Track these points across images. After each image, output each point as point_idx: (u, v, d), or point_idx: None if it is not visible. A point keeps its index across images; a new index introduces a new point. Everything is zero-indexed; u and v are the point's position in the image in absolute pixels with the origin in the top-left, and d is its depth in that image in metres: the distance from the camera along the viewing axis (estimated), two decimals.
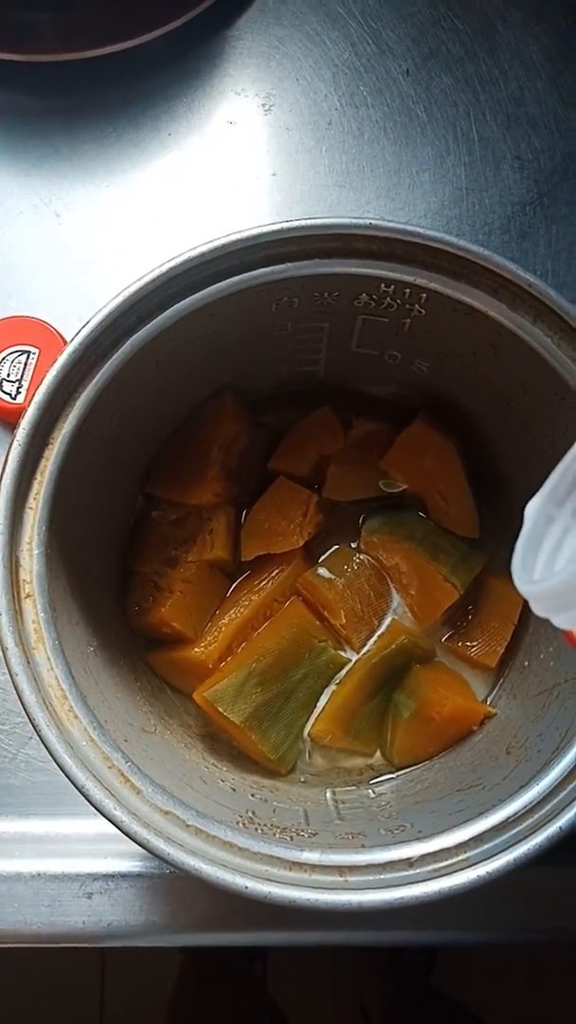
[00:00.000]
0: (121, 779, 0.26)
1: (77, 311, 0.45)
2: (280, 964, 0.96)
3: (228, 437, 0.38)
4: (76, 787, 0.26)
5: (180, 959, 0.87)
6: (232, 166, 0.47)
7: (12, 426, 0.43)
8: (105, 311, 0.29)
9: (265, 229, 0.29)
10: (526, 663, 0.37)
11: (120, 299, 0.29)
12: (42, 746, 0.39)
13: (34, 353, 0.42)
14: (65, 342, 0.42)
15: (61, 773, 0.39)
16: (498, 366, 0.33)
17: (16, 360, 0.42)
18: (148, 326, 0.30)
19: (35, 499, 0.28)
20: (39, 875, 0.36)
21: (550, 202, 0.47)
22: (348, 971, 0.98)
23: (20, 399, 0.42)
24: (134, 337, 0.30)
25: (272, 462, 0.39)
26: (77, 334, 0.29)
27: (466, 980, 0.97)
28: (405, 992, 0.94)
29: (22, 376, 0.42)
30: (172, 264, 0.29)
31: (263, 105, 0.48)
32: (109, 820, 0.26)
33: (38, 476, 0.28)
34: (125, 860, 0.37)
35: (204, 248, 0.29)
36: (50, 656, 0.27)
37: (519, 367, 0.32)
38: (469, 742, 0.35)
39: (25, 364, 0.42)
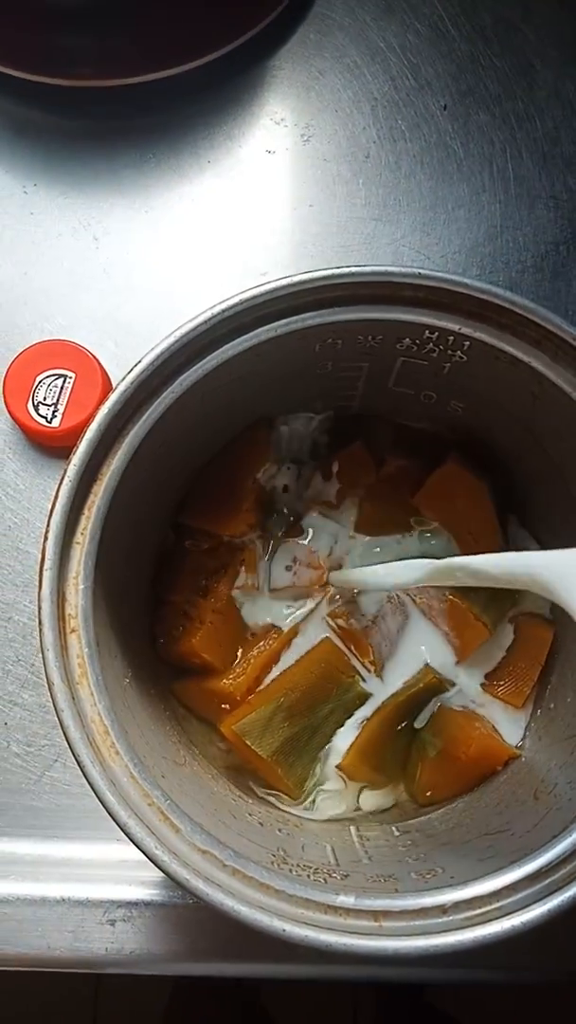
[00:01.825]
0: (161, 817, 0.27)
1: (114, 335, 0.45)
2: (274, 981, 0.96)
3: (262, 470, 0.38)
4: (118, 824, 0.26)
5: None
6: (269, 195, 0.48)
7: (46, 449, 0.44)
8: (157, 350, 0.29)
9: (315, 275, 0.30)
10: (551, 705, 0.37)
11: (172, 339, 0.29)
12: (66, 769, 0.40)
13: (70, 377, 0.42)
14: (101, 366, 0.43)
15: (84, 797, 0.39)
16: (536, 413, 0.33)
17: (52, 384, 0.42)
18: (196, 366, 0.30)
19: (82, 534, 0.29)
20: (64, 900, 0.37)
21: None
22: (342, 983, 0.98)
23: (56, 423, 0.42)
24: (182, 376, 0.30)
25: (305, 496, 0.39)
26: (129, 372, 0.29)
27: (459, 995, 0.97)
28: (398, 1005, 0.94)
29: (58, 400, 0.42)
30: (223, 306, 0.29)
31: (302, 136, 0.49)
32: (150, 859, 0.26)
33: (86, 511, 0.29)
34: (147, 888, 0.38)
35: (254, 292, 0.30)
36: (93, 691, 0.28)
37: (557, 416, 0.32)
38: (494, 783, 0.36)
39: (61, 388, 0.42)
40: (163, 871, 0.26)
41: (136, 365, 0.29)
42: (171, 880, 0.26)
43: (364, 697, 0.37)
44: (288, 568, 0.38)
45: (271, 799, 0.36)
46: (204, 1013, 0.84)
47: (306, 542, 0.39)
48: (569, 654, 0.37)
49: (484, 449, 0.39)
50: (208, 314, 0.29)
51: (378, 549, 0.38)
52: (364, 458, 0.40)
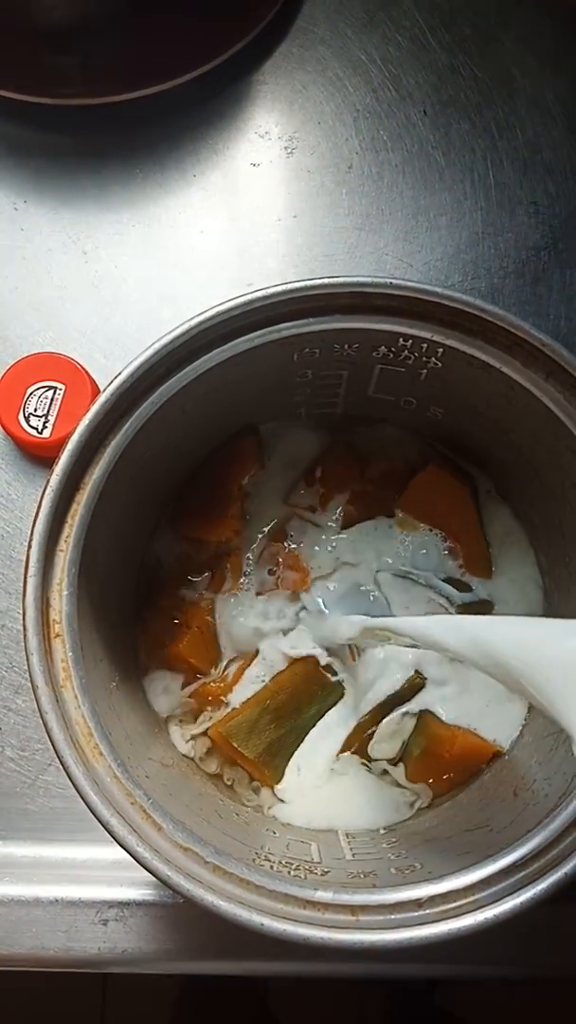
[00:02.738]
0: (143, 815, 0.28)
1: (103, 347, 0.46)
2: (283, 982, 0.96)
3: (248, 476, 0.39)
4: (101, 823, 0.27)
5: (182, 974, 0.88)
6: (255, 207, 0.49)
7: (38, 459, 0.45)
8: (136, 362, 0.30)
9: (290, 287, 0.31)
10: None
11: (151, 351, 0.30)
12: (60, 773, 0.40)
13: (60, 389, 0.43)
14: (90, 378, 0.44)
15: (78, 800, 0.40)
16: (511, 417, 0.34)
17: (43, 396, 0.43)
18: (177, 376, 0.31)
19: (65, 542, 0.29)
20: (57, 901, 0.37)
21: (564, 247, 0.48)
22: (350, 985, 0.98)
23: (46, 434, 0.43)
24: (163, 386, 0.31)
25: (290, 499, 0.40)
26: (110, 384, 0.30)
27: (469, 997, 0.98)
28: (407, 1008, 0.95)
29: (48, 411, 0.43)
30: (201, 318, 0.30)
31: (286, 148, 0.50)
32: (132, 856, 0.27)
33: (69, 520, 0.30)
34: (139, 888, 0.38)
35: (231, 304, 0.31)
36: (77, 694, 0.28)
37: (531, 419, 0.33)
38: (478, 781, 0.36)
39: (51, 400, 0.43)
40: (144, 867, 0.27)
41: (117, 376, 0.30)
42: (155, 877, 0.27)
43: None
44: (272, 572, 0.39)
45: (258, 804, 0.37)
46: (212, 1017, 0.84)
47: (290, 546, 0.39)
48: None
49: (467, 452, 0.40)
50: (187, 326, 0.30)
51: (358, 547, 0.39)
52: (348, 462, 0.41)
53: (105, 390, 0.30)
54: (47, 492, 0.29)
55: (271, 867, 0.29)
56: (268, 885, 0.27)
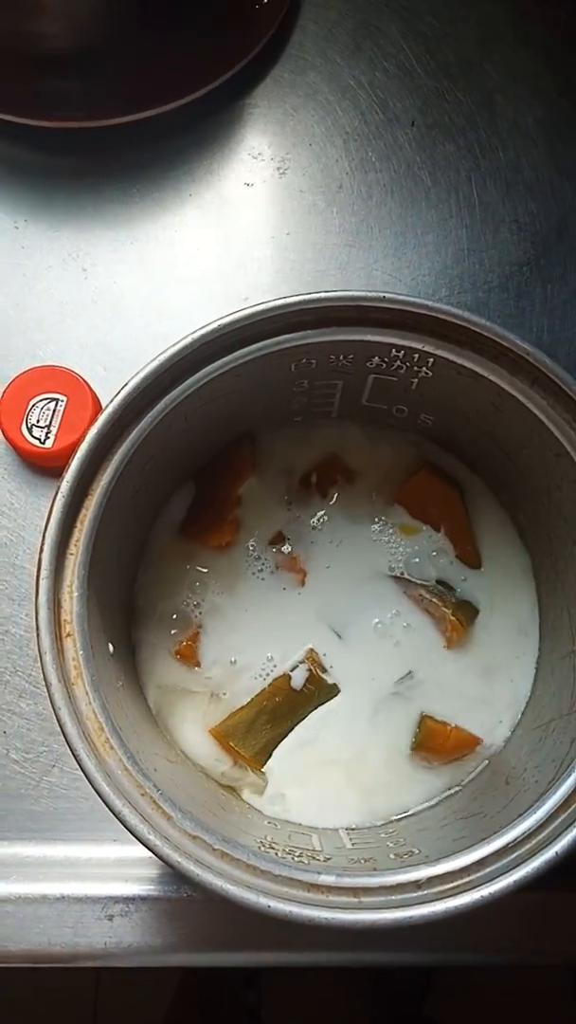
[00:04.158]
0: (153, 806, 0.29)
1: (103, 360, 0.48)
2: (275, 993, 0.97)
3: (245, 482, 0.41)
4: (113, 813, 0.28)
5: (176, 982, 0.88)
6: (249, 225, 0.51)
7: (41, 469, 0.46)
8: (142, 374, 0.32)
9: (289, 301, 0.32)
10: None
11: (156, 363, 0.32)
12: (64, 775, 0.42)
13: (62, 400, 0.45)
14: (91, 390, 0.45)
15: (82, 800, 0.41)
16: (499, 423, 0.36)
17: (45, 407, 0.45)
18: (180, 387, 0.33)
19: (75, 545, 0.31)
20: (63, 898, 0.38)
21: (546, 263, 0.50)
22: (341, 999, 0.98)
23: (48, 444, 0.44)
24: (167, 397, 0.32)
25: (286, 504, 0.42)
26: (117, 394, 0.31)
27: (459, 1009, 0.98)
28: (396, 1017, 0.95)
29: (51, 422, 0.44)
30: (203, 332, 0.32)
31: (278, 169, 0.51)
32: (143, 844, 0.28)
33: (78, 524, 0.31)
34: (143, 884, 0.40)
35: (232, 317, 0.32)
36: (88, 691, 0.30)
37: (518, 426, 0.35)
38: (473, 775, 0.38)
39: (53, 411, 0.45)
40: (156, 855, 0.28)
41: (123, 388, 0.31)
42: (163, 863, 0.28)
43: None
44: (272, 573, 0.40)
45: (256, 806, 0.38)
46: (204, 1016, 0.84)
47: (287, 548, 0.41)
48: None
49: (458, 456, 0.42)
50: (190, 339, 0.32)
51: (353, 549, 0.41)
52: (342, 468, 0.42)
53: (112, 401, 0.31)
54: (58, 497, 0.30)
55: (276, 855, 0.30)
56: (274, 870, 0.29)
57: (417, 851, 0.31)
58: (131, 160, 0.51)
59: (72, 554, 0.31)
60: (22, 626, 0.44)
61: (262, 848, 0.30)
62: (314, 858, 0.31)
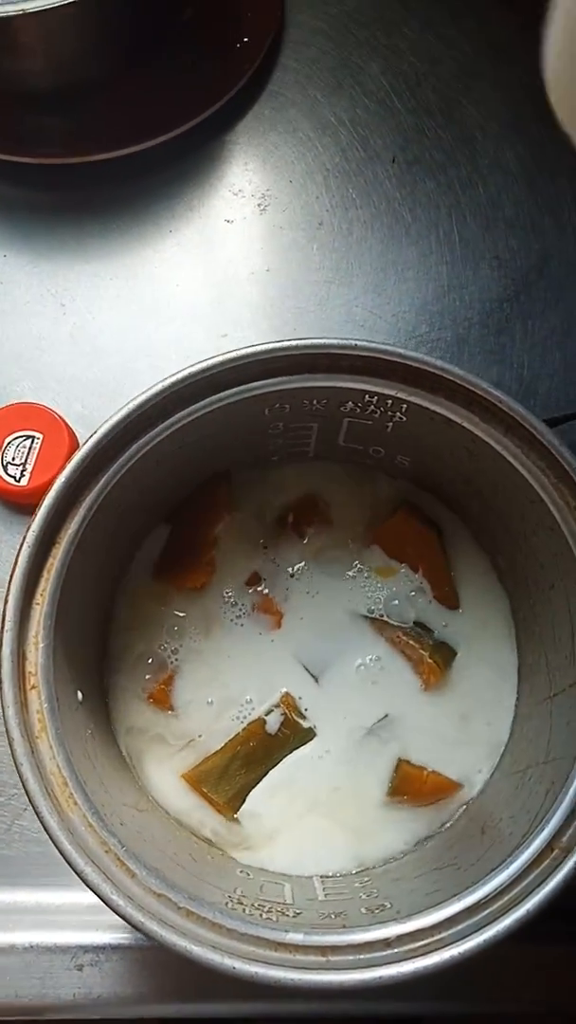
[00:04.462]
0: (117, 863, 0.28)
1: (81, 397, 0.47)
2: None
3: (221, 522, 0.41)
4: (75, 872, 0.27)
5: None
6: (229, 262, 0.51)
7: (15, 506, 0.45)
8: (112, 421, 0.31)
9: (260, 349, 0.32)
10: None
11: (126, 410, 0.31)
12: (35, 818, 0.41)
13: (38, 438, 0.45)
14: (68, 427, 0.45)
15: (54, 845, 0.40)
16: (474, 468, 0.36)
17: (21, 445, 0.44)
18: (151, 432, 0.32)
19: (41, 595, 0.30)
20: (32, 947, 0.38)
21: (526, 299, 0.51)
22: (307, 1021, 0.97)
23: (24, 482, 0.44)
24: (138, 443, 0.32)
25: (262, 544, 0.41)
26: (86, 442, 0.31)
27: None
28: None
29: (26, 460, 0.44)
30: (175, 379, 0.32)
31: (259, 205, 0.52)
32: (106, 903, 0.27)
33: (44, 574, 0.31)
34: (114, 932, 0.39)
35: (201, 365, 0.32)
36: (52, 744, 0.29)
37: (492, 471, 0.35)
38: (449, 821, 0.37)
39: (29, 449, 0.44)
40: (118, 914, 0.27)
41: (92, 435, 0.31)
42: (128, 924, 0.27)
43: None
44: (247, 615, 0.40)
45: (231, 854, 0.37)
46: None
47: (264, 590, 0.40)
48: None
49: (436, 495, 0.42)
50: (159, 386, 0.32)
51: (330, 590, 0.40)
52: (319, 507, 0.42)
53: (81, 448, 0.31)
54: (23, 548, 0.30)
55: (244, 910, 0.30)
56: (240, 928, 0.28)
57: (389, 905, 0.31)
58: (112, 196, 0.51)
59: (38, 604, 0.30)
60: None
61: (230, 904, 0.30)
62: (283, 913, 0.30)
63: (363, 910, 0.31)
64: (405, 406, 0.34)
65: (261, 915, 0.29)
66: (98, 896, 0.27)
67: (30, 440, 0.45)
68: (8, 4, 0.41)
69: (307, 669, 0.39)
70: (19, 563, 0.30)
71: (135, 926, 0.27)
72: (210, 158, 0.52)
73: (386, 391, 0.34)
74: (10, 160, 0.50)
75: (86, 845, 0.28)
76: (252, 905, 0.30)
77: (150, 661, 0.39)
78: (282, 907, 0.31)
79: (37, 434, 0.45)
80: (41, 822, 0.28)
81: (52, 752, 0.29)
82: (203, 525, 0.40)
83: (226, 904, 0.29)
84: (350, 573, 0.41)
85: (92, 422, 0.47)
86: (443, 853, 0.35)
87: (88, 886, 0.27)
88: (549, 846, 0.29)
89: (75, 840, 0.28)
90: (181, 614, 0.39)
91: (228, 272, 0.50)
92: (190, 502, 0.40)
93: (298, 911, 0.31)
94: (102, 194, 0.51)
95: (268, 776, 0.38)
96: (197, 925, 0.28)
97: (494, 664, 0.39)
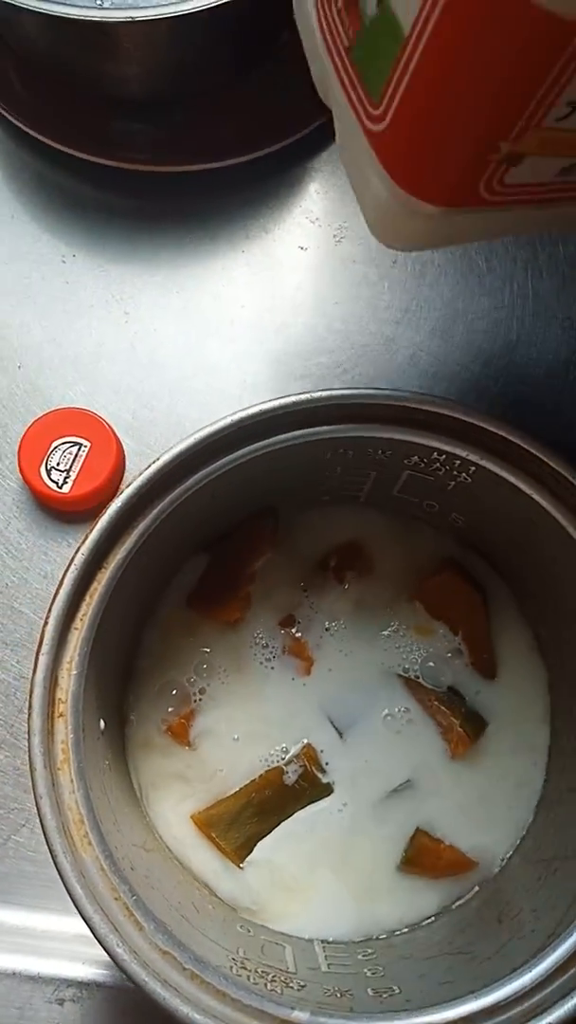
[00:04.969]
0: (126, 913, 0.27)
1: (132, 408, 0.47)
2: None
3: (262, 559, 0.39)
4: (83, 918, 0.26)
5: None
6: (297, 289, 0.50)
7: (54, 512, 0.45)
8: (173, 452, 0.30)
9: (333, 394, 0.31)
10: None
11: (189, 442, 0.30)
12: (32, 835, 0.40)
13: (85, 446, 0.44)
14: (116, 438, 0.44)
15: (49, 864, 0.39)
16: (533, 538, 0.35)
17: (67, 451, 0.43)
18: (211, 466, 0.31)
19: (81, 620, 0.29)
20: (14, 974, 0.36)
21: None
22: None
23: (66, 489, 0.43)
24: (196, 475, 0.31)
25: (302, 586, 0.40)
26: (145, 469, 0.30)
27: None
28: None
29: (71, 467, 0.43)
30: (242, 415, 0.31)
31: (334, 236, 0.51)
32: (109, 955, 0.26)
33: (87, 598, 0.30)
34: (100, 968, 0.37)
35: (271, 404, 0.31)
36: (74, 778, 0.28)
37: (552, 544, 0.33)
38: (462, 899, 0.36)
39: (75, 456, 0.43)
40: (121, 969, 0.26)
41: (153, 463, 0.30)
42: (131, 981, 0.26)
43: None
44: (278, 658, 0.39)
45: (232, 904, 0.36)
46: None
47: (297, 633, 0.39)
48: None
49: (486, 558, 0.40)
50: (227, 421, 0.31)
51: (365, 642, 0.39)
52: (363, 555, 0.41)
53: (142, 474, 0.30)
54: (70, 570, 0.29)
55: (248, 977, 0.28)
56: (245, 999, 0.27)
57: (398, 989, 0.29)
58: (189, 209, 0.51)
59: (77, 628, 0.29)
60: (11, 672, 0.43)
61: (234, 968, 0.28)
62: (287, 984, 0.29)
63: (370, 991, 0.29)
64: (473, 468, 0.33)
65: (265, 984, 0.28)
66: (103, 948, 0.26)
67: (77, 447, 0.44)
68: (116, 10, 0.40)
69: (332, 723, 0.38)
70: (63, 586, 0.28)
71: (138, 984, 0.26)
72: (290, 183, 0.52)
73: (456, 451, 0.32)
74: (94, 161, 0.49)
75: (97, 890, 0.27)
76: (255, 972, 0.29)
77: (174, 692, 0.38)
78: (286, 976, 0.30)
79: (85, 441, 0.44)
80: (55, 862, 0.27)
81: (73, 786, 0.28)
82: (244, 559, 0.39)
83: (230, 968, 0.28)
84: (388, 627, 0.40)
85: (141, 435, 0.46)
86: (456, 936, 0.33)
87: (95, 936, 0.26)
88: None
89: (86, 884, 0.27)
90: (209, 650, 0.38)
91: (296, 299, 0.49)
92: (235, 534, 0.39)
93: (302, 983, 0.29)
94: (179, 206, 0.51)
95: (279, 828, 0.37)
96: (201, 990, 0.26)
97: (526, 741, 0.38)
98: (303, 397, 0.31)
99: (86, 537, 0.29)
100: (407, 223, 0.29)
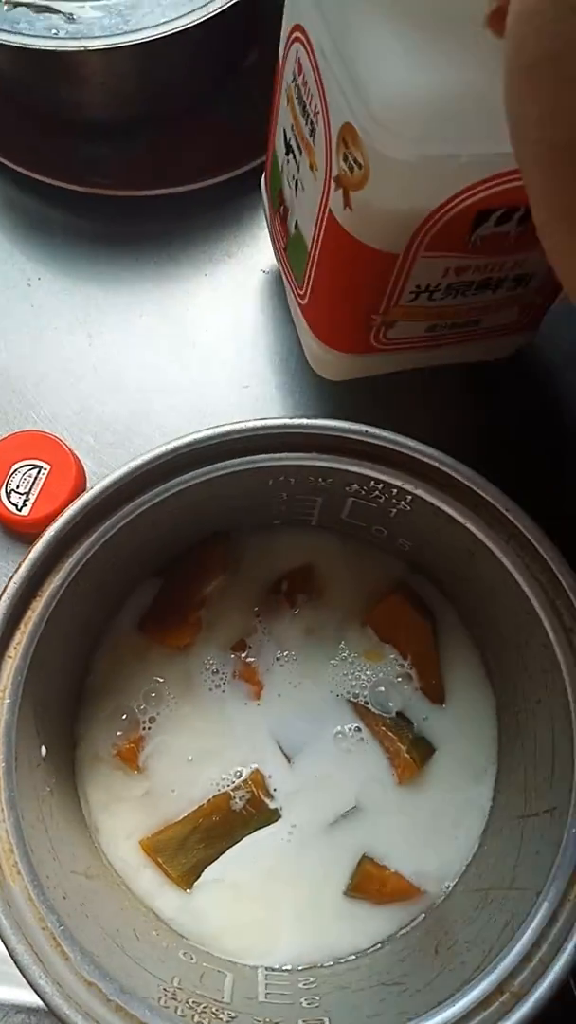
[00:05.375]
0: (52, 943, 0.27)
1: (94, 431, 0.47)
2: None
3: (214, 583, 0.40)
4: (7, 948, 0.26)
5: None
6: (259, 312, 0.50)
7: (14, 535, 0.45)
8: (109, 480, 0.31)
9: (271, 423, 0.31)
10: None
11: (125, 470, 0.31)
12: None
13: (45, 469, 0.44)
14: (77, 461, 0.45)
15: None
16: (472, 569, 0.35)
17: (27, 473, 0.44)
18: (149, 493, 0.32)
19: (15, 648, 0.30)
20: None
21: None
22: None
23: (25, 511, 0.43)
24: (134, 502, 0.32)
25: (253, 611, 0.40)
26: (78, 499, 0.31)
27: None
28: None
29: (30, 490, 0.44)
30: (180, 443, 0.31)
31: None
32: (32, 987, 0.26)
33: (21, 627, 0.30)
34: None
35: (212, 432, 0.31)
36: (4, 807, 0.28)
37: (491, 575, 0.34)
38: (406, 927, 0.36)
39: (35, 479, 0.44)
40: (44, 1001, 0.26)
41: (86, 492, 0.30)
42: (52, 1014, 0.26)
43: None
44: (228, 683, 0.39)
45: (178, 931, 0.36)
46: None
47: (247, 658, 0.39)
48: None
49: (434, 582, 0.41)
50: (161, 449, 0.31)
51: (315, 668, 0.39)
52: (313, 580, 0.41)
53: (73, 504, 0.30)
54: (2, 599, 0.29)
55: (176, 1008, 0.28)
56: None
57: (327, 1022, 0.29)
58: (153, 232, 0.51)
59: (11, 657, 0.30)
60: None
61: (163, 999, 0.28)
62: (217, 1016, 0.29)
63: (300, 1022, 0.29)
64: (410, 497, 0.33)
65: (193, 1017, 0.28)
66: (26, 979, 0.26)
67: (36, 470, 0.44)
68: (71, 40, 0.41)
69: (281, 748, 0.38)
70: None
71: (59, 1017, 0.26)
72: (253, 207, 0.52)
73: (392, 480, 0.33)
74: (59, 186, 0.50)
75: (23, 920, 0.27)
76: (186, 1003, 0.29)
77: (124, 717, 0.38)
78: (218, 1007, 0.30)
79: (45, 464, 0.44)
80: None
81: (3, 815, 0.28)
82: (195, 583, 0.39)
83: (159, 999, 0.28)
84: (338, 651, 0.40)
85: (102, 457, 0.47)
86: (394, 965, 0.33)
87: (18, 967, 0.26)
88: (499, 988, 0.27)
89: (12, 914, 0.27)
90: (160, 678, 0.38)
91: (258, 323, 0.50)
92: (185, 558, 0.39)
93: (233, 1015, 0.29)
94: (143, 230, 0.51)
95: (227, 853, 0.37)
96: (125, 1023, 0.27)
97: (472, 769, 0.38)
98: (242, 426, 0.31)
99: (18, 566, 0.29)
100: (331, 362, 0.42)
